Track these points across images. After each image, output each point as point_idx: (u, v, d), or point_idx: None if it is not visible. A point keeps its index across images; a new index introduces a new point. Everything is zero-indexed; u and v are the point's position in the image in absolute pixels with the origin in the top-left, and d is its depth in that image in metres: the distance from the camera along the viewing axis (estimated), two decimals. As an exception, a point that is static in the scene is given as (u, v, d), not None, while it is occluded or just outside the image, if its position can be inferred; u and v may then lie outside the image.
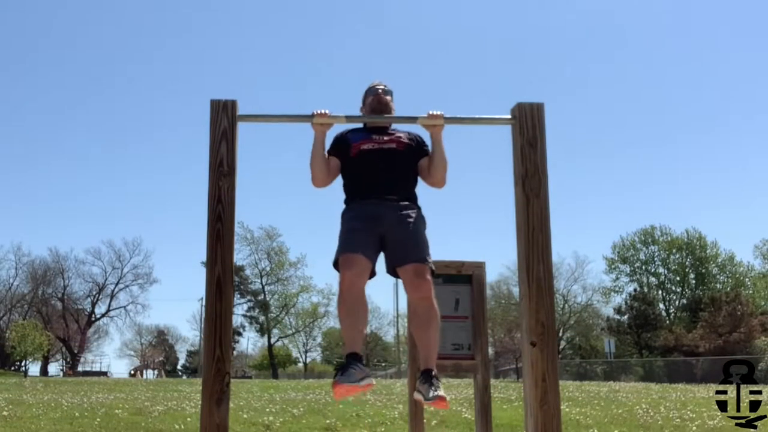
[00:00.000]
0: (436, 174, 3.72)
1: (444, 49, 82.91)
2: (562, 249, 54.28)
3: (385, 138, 3.74)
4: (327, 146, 3.74)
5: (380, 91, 3.85)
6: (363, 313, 3.40)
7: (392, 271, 3.53)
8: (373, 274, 3.51)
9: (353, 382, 3.18)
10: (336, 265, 3.45)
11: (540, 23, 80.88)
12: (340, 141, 3.80)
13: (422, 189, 3.84)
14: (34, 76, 78.81)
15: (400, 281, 3.57)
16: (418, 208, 3.70)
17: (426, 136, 3.77)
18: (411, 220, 3.57)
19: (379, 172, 3.63)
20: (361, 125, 3.88)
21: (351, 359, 3.26)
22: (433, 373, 3.40)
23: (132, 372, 63.04)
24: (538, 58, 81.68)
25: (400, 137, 3.77)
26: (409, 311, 3.53)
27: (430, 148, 3.76)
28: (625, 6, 77.50)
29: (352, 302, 3.35)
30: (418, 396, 3.39)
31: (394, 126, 3.86)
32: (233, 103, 3.56)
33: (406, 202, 3.65)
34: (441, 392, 3.31)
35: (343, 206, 3.76)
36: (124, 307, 60.85)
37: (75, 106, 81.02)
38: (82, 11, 79.72)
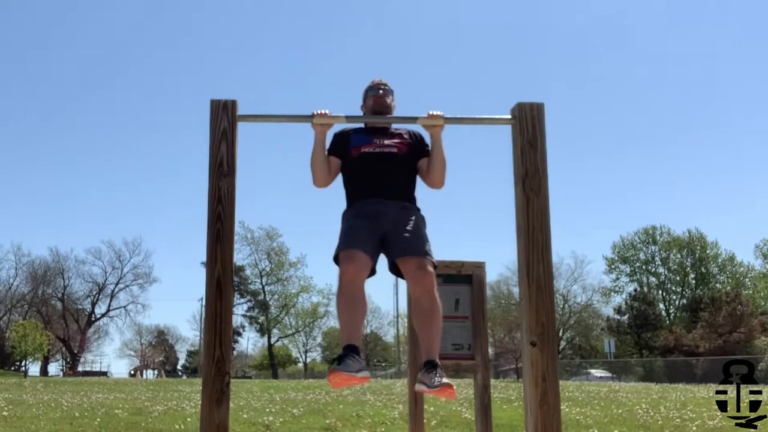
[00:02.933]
0: (435, 174, 3.71)
1: (444, 49, 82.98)
2: (561, 249, 54.34)
3: (386, 141, 3.73)
4: (328, 144, 3.73)
5: (381, 92, 3.82)
6: (362, 308, 3.38)
7: (394, 268, 3.52)
8: (373, 271, 3.50)
9: (350, 372, 3.13)
10: (336, 260, 3.44)
11: (540, 23, 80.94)
12: (342, 140, 3.79)
13: (422, 190, 3.83)
14: (34, 76, 78.88)
15: (401, 282, 3.56)
16: (418, 209, 3.71)
17: (426, 136, 3.77)
18: (411, 218, 3.58)
19: (379, 177, 3.63)
20: (361, 125, 3.87)
21: (349, 350, 3.23)
22: (437, 362, 3.35)
23: (132, 372, 63.05)
24: (538, 58, 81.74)
25: (401, 139, 3.76)
26: (410, 304, 3.51)
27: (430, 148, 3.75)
28: (625, 6, 77.57)
29: (352, 296, 3.34)
30: (420, 387, 3.28)
31: (395, 125, 3.86)
32: (233, 103, 3.56)
33: (407, 203, 3.66)
34: (446, 380, 3.22)
35: (344, 207, 3.76)
36: (124, 307, 60.94)
37: (75, 106, 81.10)
38: (82, 11, 79.78)
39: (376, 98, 3.80)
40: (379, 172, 3.63)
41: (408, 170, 3.72)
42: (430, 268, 3.43)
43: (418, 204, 3.78)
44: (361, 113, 3.90)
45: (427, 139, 3.77)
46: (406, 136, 3.80)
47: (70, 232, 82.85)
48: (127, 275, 60.28)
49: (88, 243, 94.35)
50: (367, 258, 3.41)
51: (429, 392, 3.25)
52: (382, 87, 3.85)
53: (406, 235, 3.48)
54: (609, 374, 39.27)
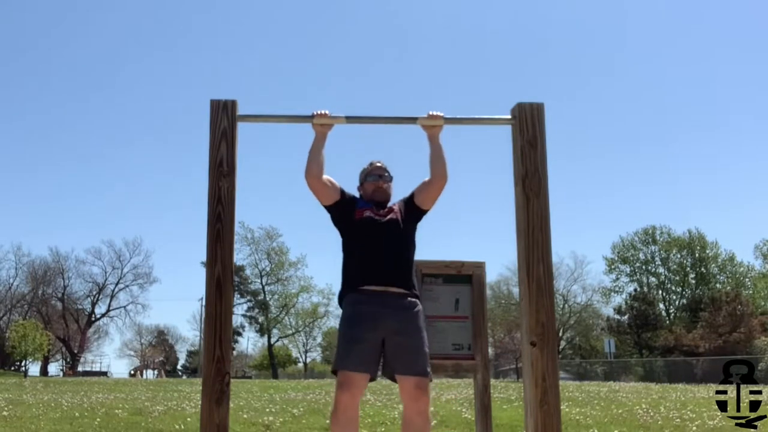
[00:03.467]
0: (438, 168, 3.68)
1: (444, 49, 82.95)
2: (561, 249, 54.33)
3: (385, 214, 3.66)
4: (337, 184, 3.71)
5: (381, 180, 3.74)
6: (354, 431, 3.37)
7: (390, 375, 3.47)
8: (372, 380, 3.45)
9: None
10: (334, 372, 3.41)
11: (540, 23, 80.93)
12: (349, 196, 3.74)
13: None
14: (34, 76, 78.88)
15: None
16: (418, 301, 3.59)
17: (426, 137, 3.76)
18: (413, 322, 3.48)
19: (381, 246, 3.53)
20: (358, 193, 3.84)
21: None
22: None
23: (132, 372, 63.04)
24: (538, 58, 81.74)
25: (397, 211, 3.69)
26: (403, 421, 3.46)
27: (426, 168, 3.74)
28: (625, 6, 77.55)
29: (346, 423, 3.31)
30: None
31: (391, 201, 3.78)
32: (233, 103, 3.56)
33: (408, 297, 3.54)
34: None
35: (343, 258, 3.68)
36: (124, 307, 60.91)
37: (75, 106, 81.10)
38: (82, 11, 79.77)
39: (377, 187, 3.73)
40: (380, 240, 3.55)
41: (408, 236, 3.65)
42: (428, 390, 3.41)
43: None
44: (357, 194, 3.83)
45: (427, 140, 3.75)
46: (399, 208, 3.72)
47: (70, 232, 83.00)
48: (127, 275, 60.34)
49: (88, 243, 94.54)
50: (366, 378, 3.38)
51: None
52: (383, 174, 3.78)
53: (407, 349, 3.41)
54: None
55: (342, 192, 3.71)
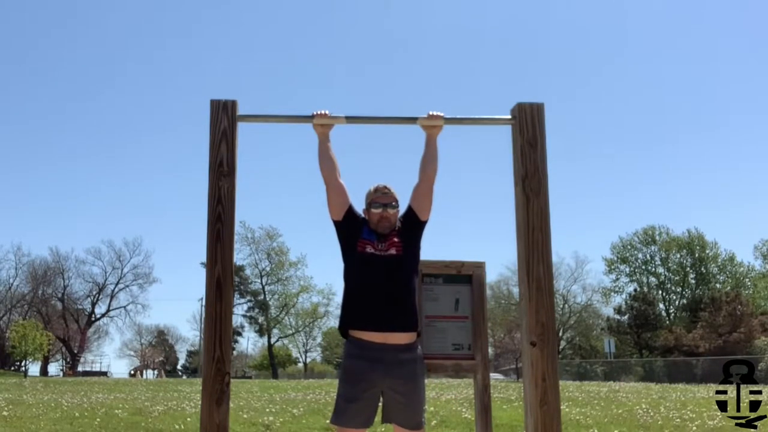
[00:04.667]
0: (427, 168, 3.63)
1: (444, 49, 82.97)
2: (562, 249, 54.35)
3: (387, 248, 3.55)
4: (348, 205, 3.64)
5: (386, 211, 3.59)
6: None
7: (388, 421, 3.53)
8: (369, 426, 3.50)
9: None
10: (332, 423, 3.48)
11: (540, 23, 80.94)
12: (356, 218, 3.64)
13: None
14: (34, 76, 78.90)
15: None
16: (418, 346, 3.56)
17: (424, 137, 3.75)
18: (410, 377, 3.46)
19: (381, 289, 3.46)
20: (364, 213, 3.70)
21: None
22: None
23: (132, 372, 63.03)
24: (538, 58, 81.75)
25: (398, 243, 3.57)
26: None
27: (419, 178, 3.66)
28: (625, 6, 77.56)
29: None
30: None
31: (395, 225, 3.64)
32: (233, 103, 3.56)
33: (407, 349, 3.48)
34: None
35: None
36: (124, 307, 60.94)
37: (75, 106, 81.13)
38: (82, 11, 79.78)
39: (382, 217, 3.58)
40: (381, 279, 3.48)
41: (409, 271, 3.56)
42: None
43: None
44: (362, 214, 3.69)
45: (424, 140, 3.73)
46: (400, 240, 3.59)
47: (70, 232, 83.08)
48: (127, 275, 60.37)
49: (88, 243, 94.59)
50: (363, 431, 3.45)
51: None
52: (389, 203, 3.60)
53: (404, 403, 3.44)
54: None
55: (350, 209, 3.62)
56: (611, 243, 57.39)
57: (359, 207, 3.70)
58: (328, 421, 9.20)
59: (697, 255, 54.25)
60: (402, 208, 3.66)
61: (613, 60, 78.17)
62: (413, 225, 3.63)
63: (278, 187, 79.92)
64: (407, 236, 3.60)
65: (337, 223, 3.63)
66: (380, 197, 3.61)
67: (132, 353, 70.04)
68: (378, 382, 3.41)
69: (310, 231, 76.52)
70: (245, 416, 9.79)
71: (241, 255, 56.86)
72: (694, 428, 8.47)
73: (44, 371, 54.13)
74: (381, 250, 3.53)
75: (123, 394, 15.76)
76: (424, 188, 3.64)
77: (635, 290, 52.37)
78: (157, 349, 69.12)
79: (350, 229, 3.60)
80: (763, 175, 71.58)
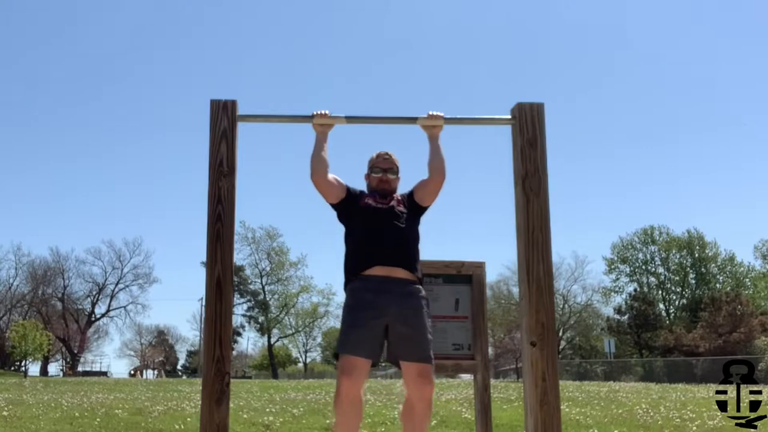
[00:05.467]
0: (436, 166, 3.69)
1: (444, 49, 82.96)
2: (562, 249, 54.33)
3: (388, 202, 3.67)
4: (343, 184, 3.72)
5: (386, 175, 3.72)
6: (358, 414, 3.37)
7: (394, 360, 3.47)
8: (374, 365, 3.43)
9: None
10: (336, 356, 3.41)
11: (540, 23, 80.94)
12: (354, 192, 3.74)
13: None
14: (35, 76, 78.91)
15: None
16: (422, 288, 3.58)
17: (425, 137, 3.76)
18: (416, 310, 3.46)
19: (383, 228, 3.53)
20: (365, 184, 3.85)
21: None
22: None
23: (132, 372, 63.05)
24: (538, 58, 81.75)
25: (399, 200, 3.71)
26: (405, 405, 3.45)
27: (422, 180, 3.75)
28: (625, 6, 77.57)
29: (350, 405, 3.30)
30: None
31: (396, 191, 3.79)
32: (233, 103, 3.57)
33: (411, 284, 3.52)
34: None
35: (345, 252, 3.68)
36: (124, 307, 60.92)
37: (75, 106, 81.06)
38: (82, 11, 79.80)
39: (381, 180, 3.71)
40: (383, 223, 3.55)
41: (410, 223, 3.63)
42: (431, 376, 3.40)
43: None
44: (365, 183, 3.83)
45: (424, 140, 3.75)
46: (401, 200, 3.72)
47: (70, 232, 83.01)
48: (127, 275, 60.35)
49: (88, 243, 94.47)
50: (368, 363, 3.36)
51: None
52: (389, 168, 3.74)
53: (410, 335, 3.40)
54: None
55: (348, 189, 3.72)
56: (611, 243, 57.44)
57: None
58: (328, 421, 9.21)
59: (697, 255, 54.23)
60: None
61: (613, 60, 78.22)
62: (414, 205, 3.72)
63: (278, 187, 79.93)
64: (409, 207, 3.69)
65: (338, 204, 3.69)
66: (381, 162, 3.73)
67: (132, 353, 70.14)
68: (386, 309, 3.40)
69: (310, 231, 76.59)
70: (245, 416, 9.78)
71: (241, 255, 56.90)
72: (694, 428, 8.46)
73: (44, 371, 54.13)
74: (383, 204, 3.64)
75: (123, 394, 15.76)
76: (432, 187, 3.71)
77: (635, 290, 52.35)
78: (157, 349, 69.12)
79: (351, 200, 3.68)
80: (763, 175, 71.64)
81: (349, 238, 3.66)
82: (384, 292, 3.42)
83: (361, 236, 3.57)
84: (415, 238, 3.65)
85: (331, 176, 3.68)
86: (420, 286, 3.56)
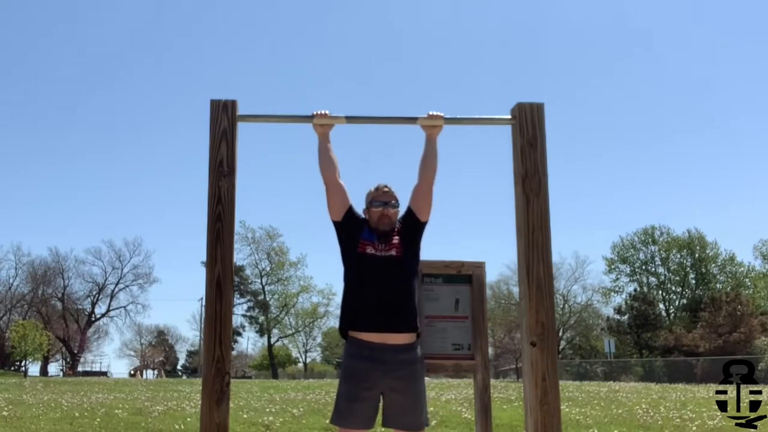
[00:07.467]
0: (427, 168, 3.63)
1: (444, 49, 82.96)
2: (562, 249, 54.38)
3: (387, 248, 3.55)
4: (349, 205, 3.63)
5: (386, 209, 3.58)
6: None
7: (389, 426, 3.49)
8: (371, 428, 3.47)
9: None
10: (333, 423, 3.46)
11: (540, 23, 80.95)
12: (356, 218, 3.64)
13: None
14: (34, 77, 78.88)
15: None
16: (417, 346, 3.53)
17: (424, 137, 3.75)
18: (409, 379, 3.44)
19: (379, 289, 3.45)
20: (365, 213, 3.70)
21: None
22: None
23: (132, 372, 63.01)
24: (538, 58, 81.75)
25: (398, 244, 3.57)
26: None
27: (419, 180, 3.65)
28: (625, 6, 77.58)
29: None
30: None
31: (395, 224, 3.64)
32: (233, 103, 3.57)
33: (406, 349, 3.46)
34: None
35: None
36: (124, 307, 60.90)
37: (75, 106, 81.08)
38: (82, 12, 79.79)
39: (383, 215, 3.57)
40: (380, 280, 3.47)
41: (409, 273, 3.54)
42: None
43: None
44: (362, 214, 3.68)
45: (423, 141, 3.73)
46: (399, 241, 3.58)
47: (70, 232, 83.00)
48: (127, 275, 60.32)
49: (88, 243, 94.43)
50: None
51: None
52: (389, 201, 3.60)
53: (404, 405, 3.42)
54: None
55: (350, 210, 3.62)
56: (611, 243, 57.45)
57: (359, 208, 3.70)
58: (328, 421, 9.21)
59: (697, 255, 54.25)
60: (402, 209, 3.66)
61: (613, 60, 78.21)
62: (413, 226, 3.62)
63: (278, 187, 79.94)
64: (407, 237, 3.60)
65: (337, 224, 3.63)
66: (381, 195, 3.62)
67: (132, 353, 70.08)
68: (379, 381, 3.39)
69: (310, 231, 76.50)
70: (245, 416, 9.79)
71: (241, 255, 56.92)
72: (694, 428, 8.47)
73: (44, 371, 54.08)
74: (381, 251, 3.53)
75: (123, 394, 15.76)
76: (423, 189, 3.64)
77: (635, 290, 52.36)
78: (157, 349, 69.07)
79: (350, 229, 3.60)
80: (763, 175, 71.64)
81: (346, 283, 3.57)
82: (378, 362, 3.39)
83: (358, 293, 3.50)
84: (413, 290, 3.54)
85: (341, 182, 3.61)
86: (416, 343, 3.51)
